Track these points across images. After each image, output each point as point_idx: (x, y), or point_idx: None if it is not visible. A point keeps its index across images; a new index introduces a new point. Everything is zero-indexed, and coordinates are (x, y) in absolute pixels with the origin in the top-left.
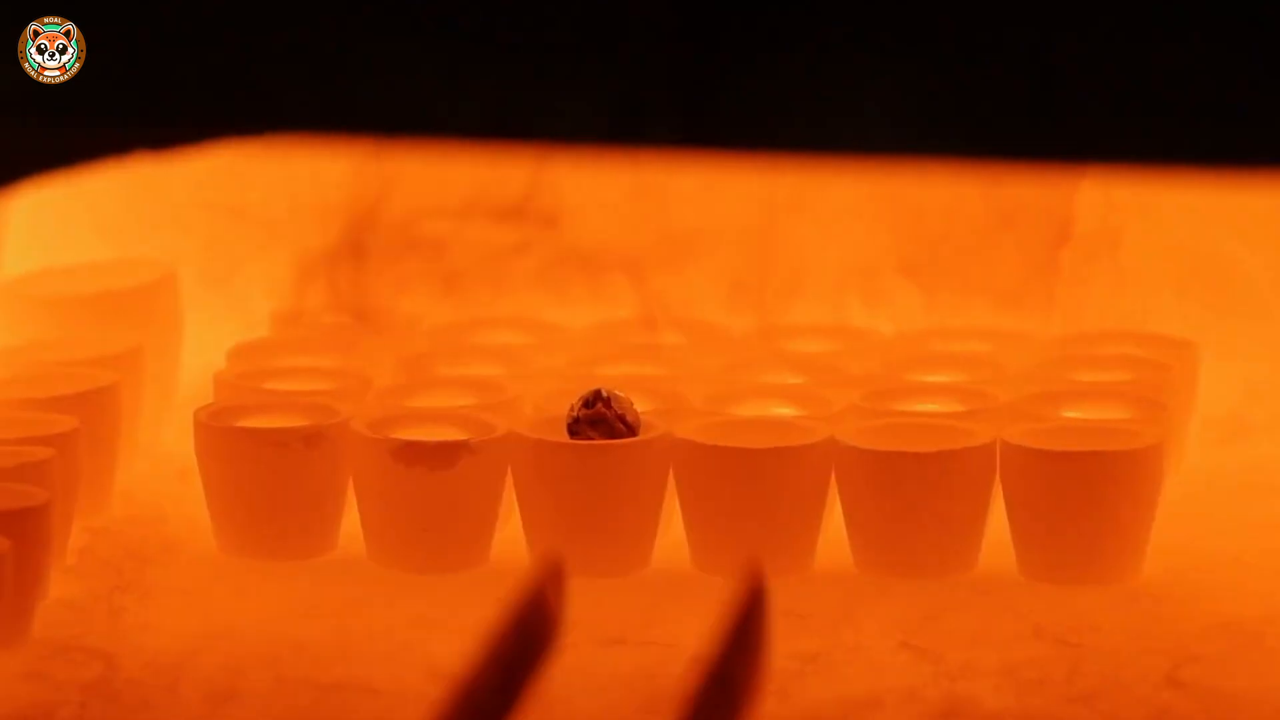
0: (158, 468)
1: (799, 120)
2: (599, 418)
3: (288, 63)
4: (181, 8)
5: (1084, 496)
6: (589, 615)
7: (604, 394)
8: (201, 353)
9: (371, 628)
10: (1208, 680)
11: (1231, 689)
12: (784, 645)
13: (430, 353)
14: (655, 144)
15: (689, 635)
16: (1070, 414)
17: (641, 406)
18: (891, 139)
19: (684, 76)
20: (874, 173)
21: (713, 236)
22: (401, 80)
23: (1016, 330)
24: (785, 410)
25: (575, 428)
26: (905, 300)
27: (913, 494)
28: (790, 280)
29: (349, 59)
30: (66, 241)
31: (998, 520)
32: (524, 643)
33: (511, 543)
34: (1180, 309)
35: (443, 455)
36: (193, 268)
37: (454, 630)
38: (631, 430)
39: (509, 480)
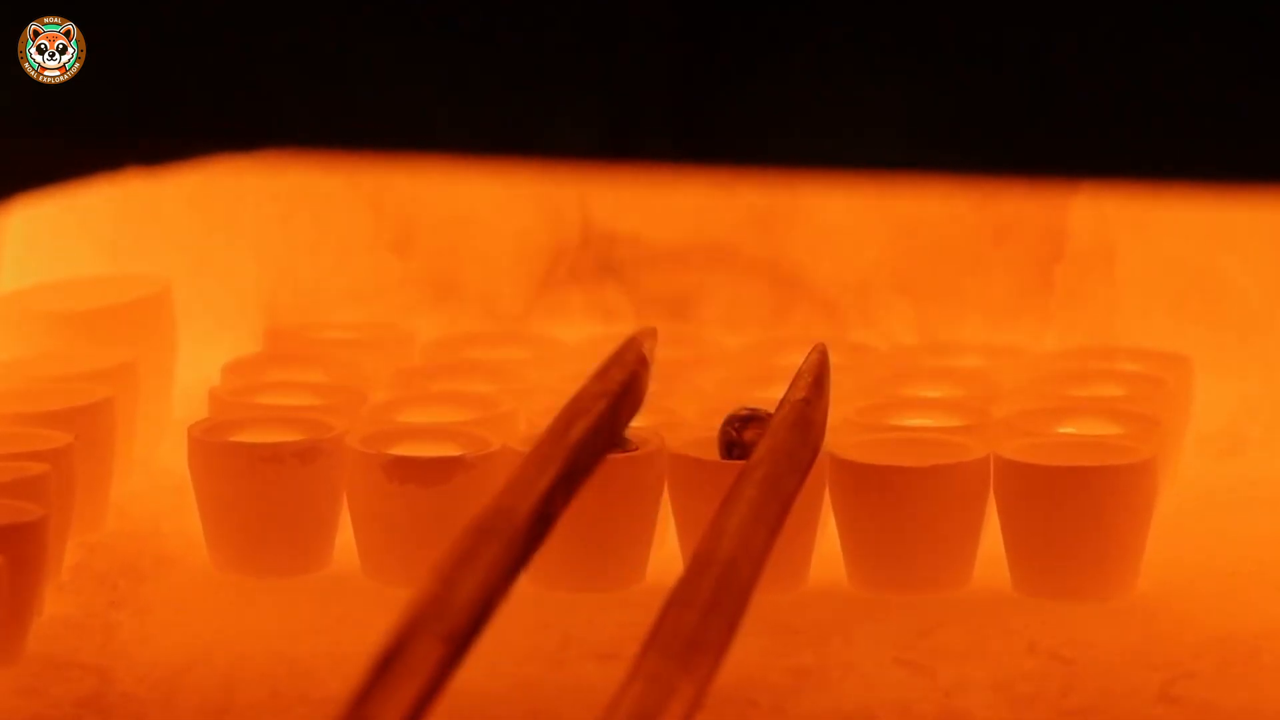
0: (152, 483)
1: (794, 133)
2: None
3: (281, 76)
4: (176, 22)
5: (1078, 511)
6: (583, 630)
7: None
8: (196, 368)
9: (366, 643)
10: (1202, 696)
11: (1226, 704)
12: (777, 660)
13: (425, 368)
14: (651, 156)
15: None
16: (1065, 429)
17: (636, 421)
18: (886, 153)
19: (680, 90)
20: (869, 187)
21: (709, 250)
22: (396, 93)
23: (1011, 345)
24: None
25: None
26: (899, 315)
27: (907, 509)
28: (785, 294)
29: (343, 72)
30: (60, 257)
31: (992, 535)
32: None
33: None
34: (1175, 325)
35: (437, 471)
36: (187, 283)
37: None
38: (625, 445)
39: None
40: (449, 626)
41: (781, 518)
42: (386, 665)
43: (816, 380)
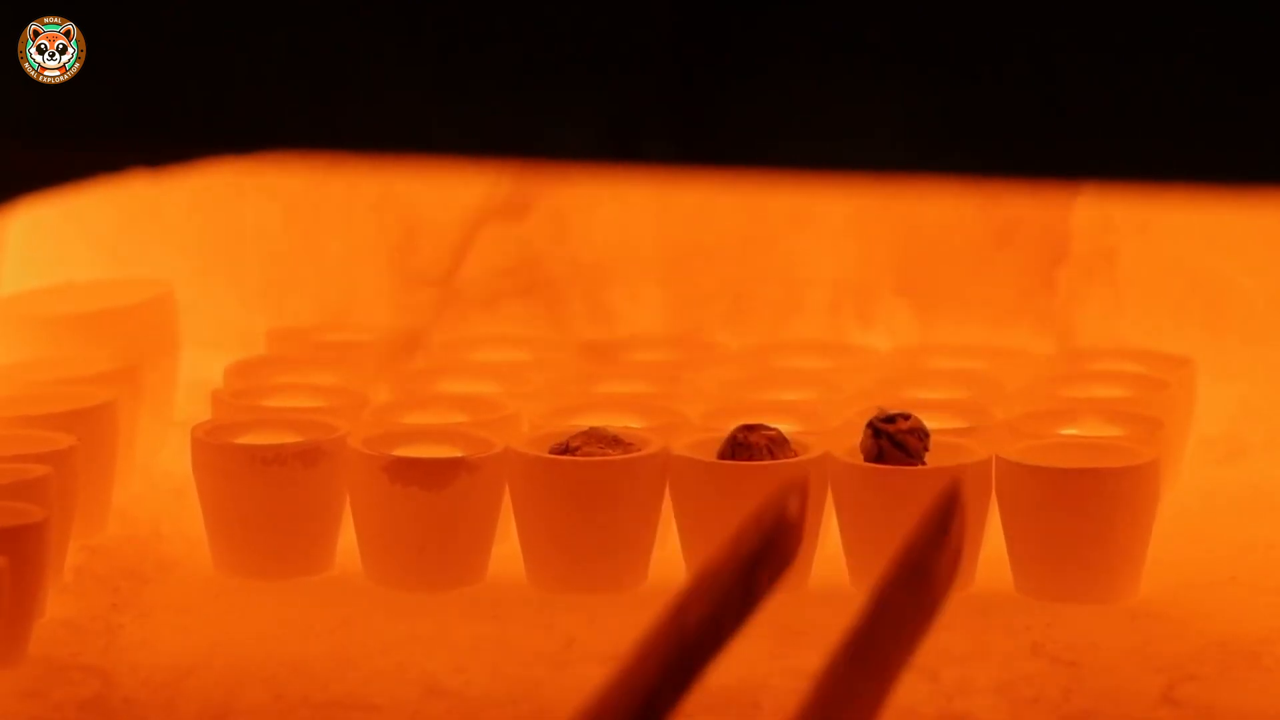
0: (155, 485)
1: (796, 136)
2: (591, 436)
3: (283, 80)
4: (176, 22)
5: (1081, 514)
6: (585, 631)
7: (582, 433)
8: (198, 370)
9: (368, 645)
10: (1204, 699)
11: (1227, 708)
12: (780, 662)
13: (427, 370)
14: (652, 160)
15: None
16: (1067, 431)
17: (638, 423)
18: (888, 156)
19: (680, 92)
20: (871, 189)
21: (710, 253)
22: (397, 97)
23: (1014, 348)
24: (782, 426)
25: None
26: (902, 317)
27: (909, 511)
28: (787, 297)
29: (344, 74)
30: (63, 260)
31: (994, 537)
32: (764, 547)
33: (508, 560)
34: (1177, 327)
35: (440, 473)
36: (189, 286)
37: (451, 647)
38: (625, 445)
39: (506, 497)
40: None
41: (882, 696)
42: None
43: (941, 524)
